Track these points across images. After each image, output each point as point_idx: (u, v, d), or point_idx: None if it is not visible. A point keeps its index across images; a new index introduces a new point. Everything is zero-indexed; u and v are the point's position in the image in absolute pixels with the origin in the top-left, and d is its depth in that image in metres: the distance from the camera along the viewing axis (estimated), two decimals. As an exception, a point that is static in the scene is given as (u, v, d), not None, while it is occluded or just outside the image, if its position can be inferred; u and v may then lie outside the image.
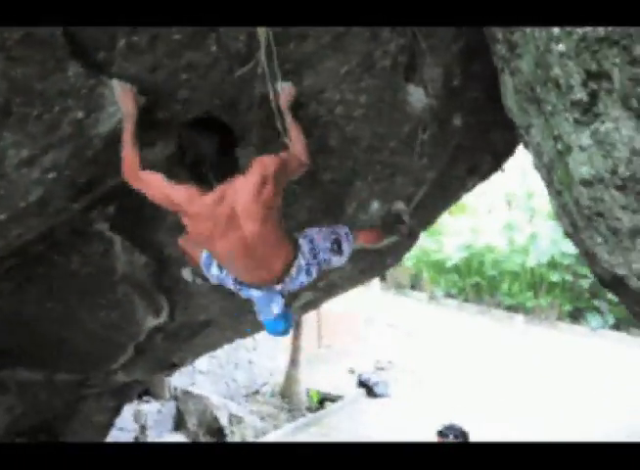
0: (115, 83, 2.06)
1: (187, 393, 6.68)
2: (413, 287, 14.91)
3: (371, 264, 3.61)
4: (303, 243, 2.42)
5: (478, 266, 13.32)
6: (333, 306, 9.83)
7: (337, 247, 2.53)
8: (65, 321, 3.44)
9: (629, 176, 1.47)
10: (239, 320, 4.01)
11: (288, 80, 2.31)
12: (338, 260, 2.56)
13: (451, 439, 3.32)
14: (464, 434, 3.42)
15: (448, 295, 14.16)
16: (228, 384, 7.44)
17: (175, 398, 6.64)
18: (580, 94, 1.57)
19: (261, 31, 2.04)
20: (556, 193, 2.12)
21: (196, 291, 3.45)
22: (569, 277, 12.18)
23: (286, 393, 8.00)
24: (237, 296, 3.66)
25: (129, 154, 2.14)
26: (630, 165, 1.44)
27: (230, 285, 2.55)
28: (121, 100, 2.09)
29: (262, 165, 2.21)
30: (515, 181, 12.15)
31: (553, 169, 2.01)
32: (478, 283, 13.59)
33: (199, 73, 2.19)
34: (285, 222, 2.37)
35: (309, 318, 9.37)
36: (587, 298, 12.49)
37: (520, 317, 13.04)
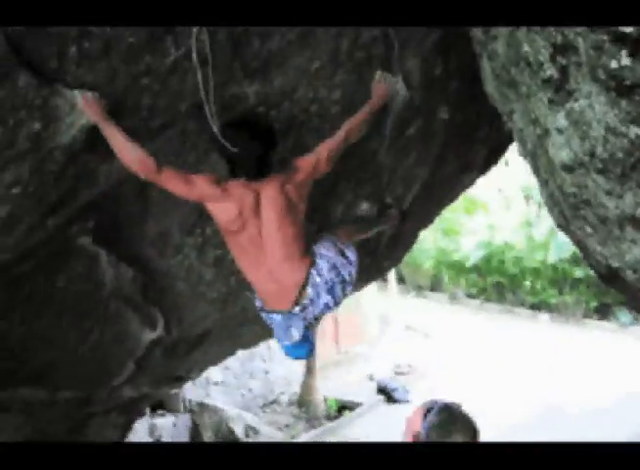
0: (77, 94, 1.99)
1: (202, 405, 6.61)
2: (433, 288, 14.68)
3: (367, 269, 3.49)
4: (320, 262, 2.31)
5: (498, 265, 13.05)
6: (350, 311, 9.73)
7: (346, 257, 2.41)
8: (58, 340, 3.39)
9: (608, 158, 1.33)
10: (237, 332, 3.93)
11: None
12: (353, 269, 2.42)
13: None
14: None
15: (469, 295, 13.91)
16: (244, 394, 7.36)
17: (190, 410, 6.57)
18: (550, 71, 1.45)
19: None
20: (543, 182, 1.98)
21: (187, 303, 3.37)
22: (593, 272, 11.82)
23: (303, 402, 7.88)
24: (231, 308, 3.61)
25: (136, 154, 2.10)
26: (607, 146, 1.30)
27: (259, 309, 2.49)
28: (87, 110, 2.02)
29: (299, 165, 2.30)
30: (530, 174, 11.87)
31: (537, 156, 1.88)
32: (499, 282, 13.31)
33: (159, 78, 2.11)
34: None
35: (326, 324, 9.25)
36: (614, 293, 12.12)
37: (544, 315, 12.73)
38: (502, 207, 13.41)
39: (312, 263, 2.29)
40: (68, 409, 4.44)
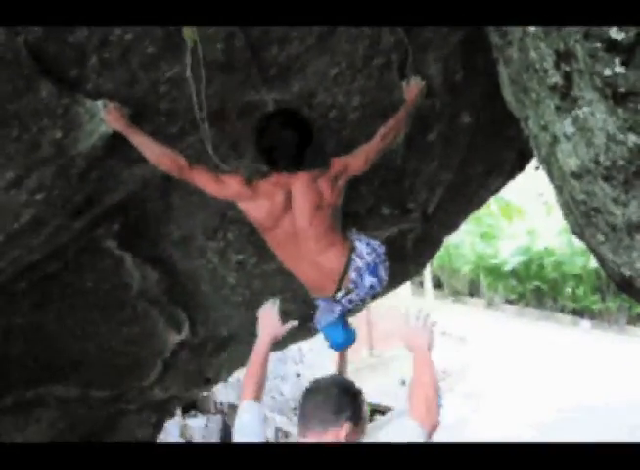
0: (99, 104, 2.05)
1: (233, 407, 6.66)
2: (471, 294, 14.46)
3: (392, 273, 3.46)
4: (359, 245, 2.35)
5: (537, 270, 12.76)
6: (384, 315, 9.64)
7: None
8: (87, 338, 3.49)
9: (611, 165, 1.30)
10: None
11: None
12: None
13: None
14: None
15: (507, 300, 13.64)
16: (275, 397, 7.39)
17: (221, 411, 6.65)
18: (555, 78, 1.43)
19: (187, 32, 1.97)
20: (558, 189, 1.94)
21: (211, 305, 3.42)
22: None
23: (334, 405, 7.84)
24: (256, 311, 3.63)
25: (166, 154, 2.17)
26: (609, 153, 1.27)
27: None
28: (110, 120, 2.07)
29: (333, 163, 2.33)
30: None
31: (550, 163, 1.84)
32: (538, 287, 13.02)
33: (178, 85, 2.15)
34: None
35: (359, 327, 9.20)
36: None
37: (586, 322, 12.38)
38: (542, 212, 13.11)
39: (353, 248, 2.32)
40: (101, 407, 4.55)
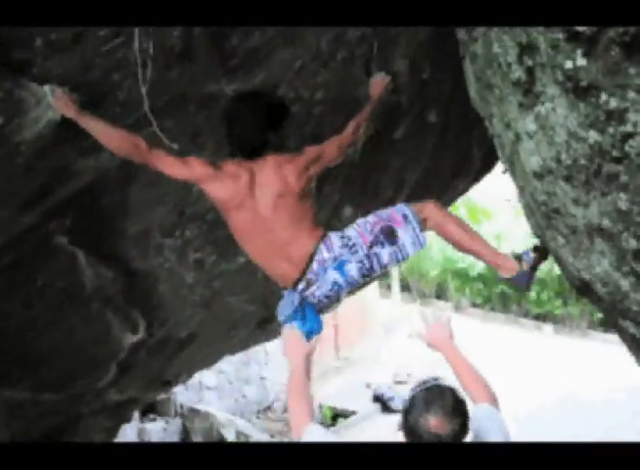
0: (46, 90, 1.93)
1: (193, 410, 6.53)
2: (438, 297, 14.54)
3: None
4: (333, 236, 2.17)
5: (503, 274, 12.90)
6: (351, 317, 9.62)
7: (385, 237, 2.15)
8: (39, 338, 3.34)
9: (571, 164, 1.25)
10: (223, 335, 3.85)
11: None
12: (393, 253, 2.16)
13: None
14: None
15: (474, 304, 13.77)
16: (237, 400, 7.26)
17: (181, 415, 6.50)
18: (518, 72, 1.38)
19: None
20: (520, 189, 1.90)
21: (170, 305, 3.30)
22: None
23: (298, 408, 7.76)
24: (215, 311, 3.54)
25: (122, 137, 2.07)
26: (570, 151, 1.23)
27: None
28: (59, 106, 1.96)
29: (305, 151, 2.23)
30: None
31: (513, 163, 1.80)
32: (504, 292, 13.17)
33: (133, 72, 2.04)
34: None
35: (326, 329, 9.15)
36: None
37: (549, 327, 12.58)
38: (510, 215, 13.28)
39: (323, 238, 2.17)
40: (54, 410, 4.38)
